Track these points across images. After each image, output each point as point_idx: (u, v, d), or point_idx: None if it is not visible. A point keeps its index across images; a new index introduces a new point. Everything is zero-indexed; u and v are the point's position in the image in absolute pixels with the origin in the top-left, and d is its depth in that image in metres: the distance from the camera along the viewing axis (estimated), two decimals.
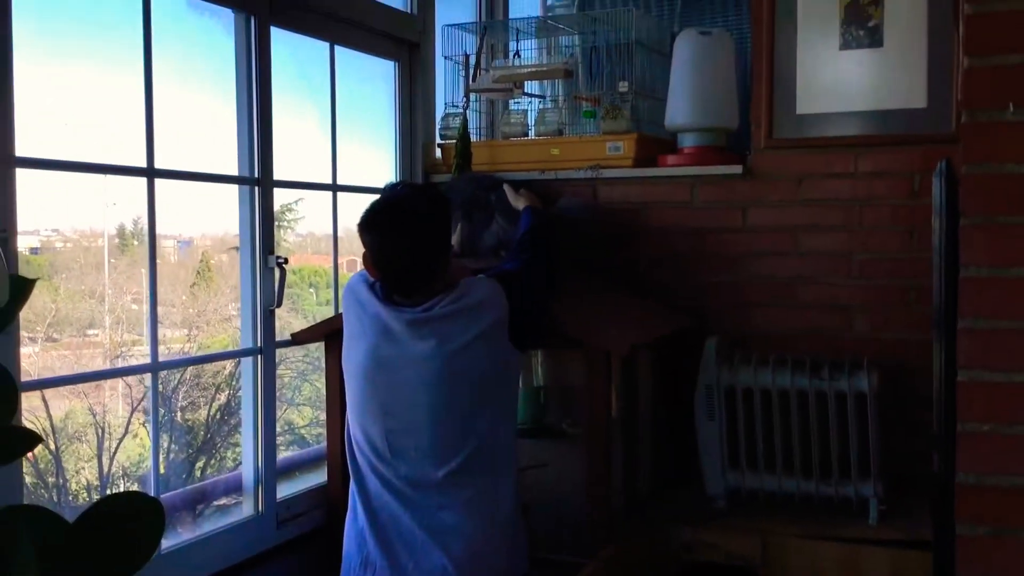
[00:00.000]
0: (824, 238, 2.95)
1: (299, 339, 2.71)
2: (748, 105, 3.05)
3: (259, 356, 2.60)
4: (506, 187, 2.85)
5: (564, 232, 2.70)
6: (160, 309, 2.37)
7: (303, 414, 5.66)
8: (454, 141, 3.21)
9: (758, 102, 2.99)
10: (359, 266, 2.92)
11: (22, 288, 1.13)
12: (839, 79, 2.92)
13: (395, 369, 2.11)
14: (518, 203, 2.76)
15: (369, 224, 2.12)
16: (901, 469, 2.75)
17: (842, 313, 2.94)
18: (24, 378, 2.12)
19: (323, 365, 2.77)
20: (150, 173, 2.27)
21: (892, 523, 2.58)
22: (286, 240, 4.81)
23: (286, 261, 2.63)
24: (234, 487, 2.68)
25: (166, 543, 2.32)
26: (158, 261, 2.34)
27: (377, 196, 2.19)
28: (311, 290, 5.19)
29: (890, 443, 2.69)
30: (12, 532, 1.10)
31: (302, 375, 5.58)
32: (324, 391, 2.76)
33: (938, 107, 2.80)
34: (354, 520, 2.21)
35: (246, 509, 2.60)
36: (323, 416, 2.80)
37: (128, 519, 1.17)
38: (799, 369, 2.67)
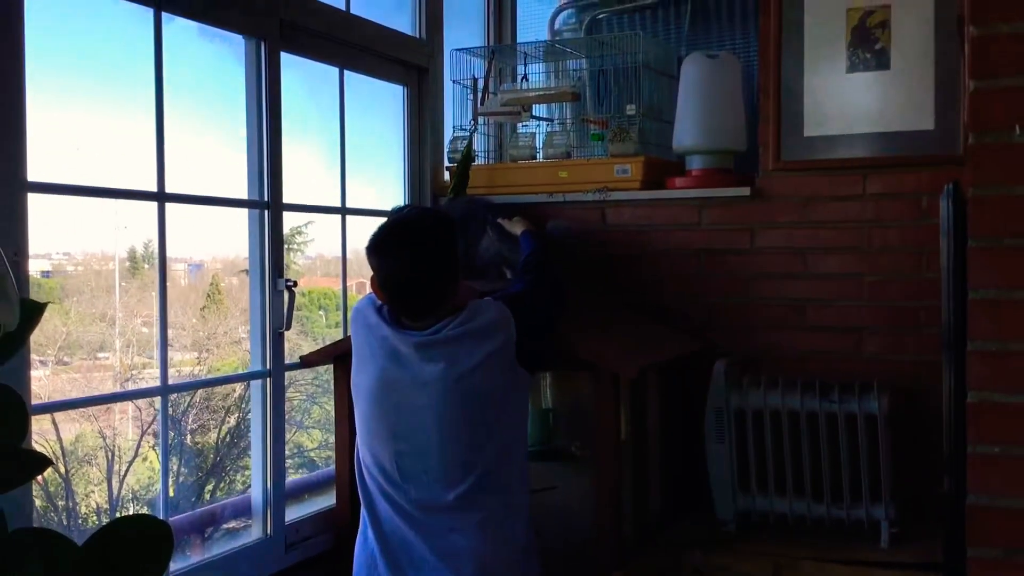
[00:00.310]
0: (833, 260, 2.95)
1: (308, 362, 2.72)
2: (756, 127, 3.06)
3: (268, 379, 2.61)
4: (501, 220, 2.87)
5: (552, 255, 2.71)
6: (170, 332, 2.38)
7: (312, 437, 5.66)
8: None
9: (766, 124, 3.00)
10: (368, 288, 2.93)
11: (33, 312, 1.14)
12: (846, 101, 2.93)
13: (404, 392, 2.11)
14: (515, 228, 2.78)
15: (376, 247, 2.12)
16: (913, 491, 2.73)
17: (852, 335, 2.93)
18: (34, 401, 2.13)
19: (332, 388, 2.77)
20: (161, 197, 2.29)
21: (904, 546, 2.57)
22: (295, 263, 4.83)
23: (295, 284, 2.64)
24: (243, 510, 2.68)
25: (175, 566, 2.31)
26: (168, 284, 2.35)
27: (385, 219, 2.20)
28: (320, 312, 5.20)
29: (901, 465, 2.68)
30: (22, 555, 1.10)
31: (311, 398, 5.58)
32: (333, 413, 2.76)
33: (945, 129, 2.81)
34: (364, 543, 2.20)
35: (255, 532, 2.60)
36: (332, 439, 2.80)
37: (137, 542, 1.17)
38: (809, 391, 2.67)
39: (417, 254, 2.08)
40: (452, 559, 2.08)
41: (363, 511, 2.20)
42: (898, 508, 2.60)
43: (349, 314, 2.39)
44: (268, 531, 2.59)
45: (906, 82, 2.86)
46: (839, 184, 2.93)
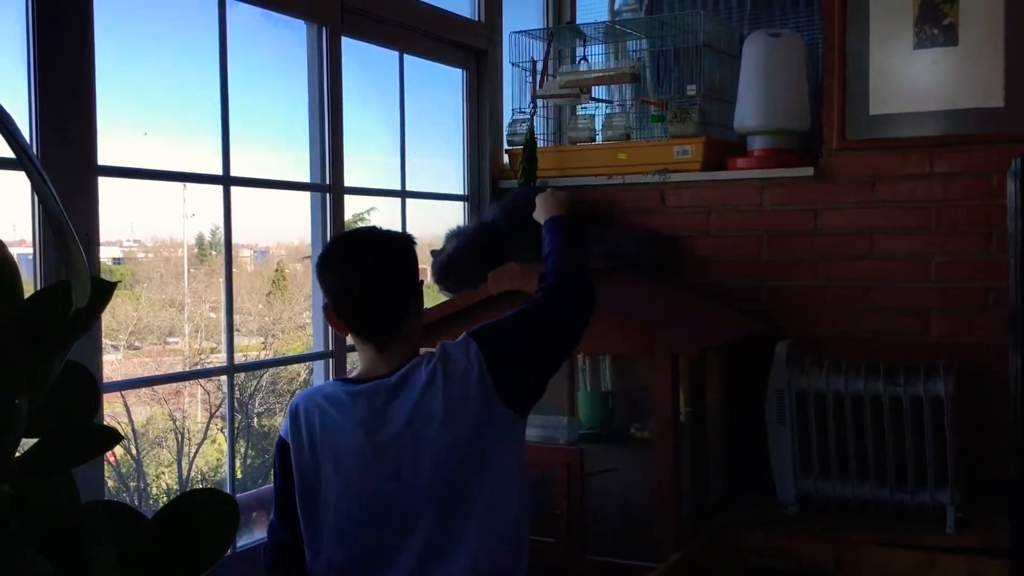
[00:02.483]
0: (900, 240, 2.89)
1: None
2: (819, 106, 3.01)
3: (331, 360, 2.65)
4: (538, 198, 2.38)
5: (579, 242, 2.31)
6: (237, 318, 2.43)
7: None
8: (521, 147, 3.23)
9: (830, 103, 2.95)
10: (431, 276, 2.95)
11: (104, 291, 1.17)
12: (913, 79, 2.87)
13: (379, 460, 1.80)
14: (539, 215, 2.31)
15: (327, 261, 1.86)
16: (980, 475, 2.68)
17: (919, 316, 2.88)
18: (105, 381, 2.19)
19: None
20: (226, 181, 2.33)
21: (970, 530, 2.52)
22: None
23: None
24: None
25: (241, 541, 2.37)
26: (235, 270, 2.40)
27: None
28: None
29: (968, 449, 2.63)
30: (95, 527, 1.14)
31: None
32: None
33: (1016, 106, 2.74)
34: None
35: None
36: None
37: (204, 515, 1.20)
38: (873, 374, 2.63)
39: (374, 263, 1.84)
40: None
41: None
42: (964, 492, 2.55)
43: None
44: None
45: (975, 58, 2.79)
46: (906, 163, 2.88)
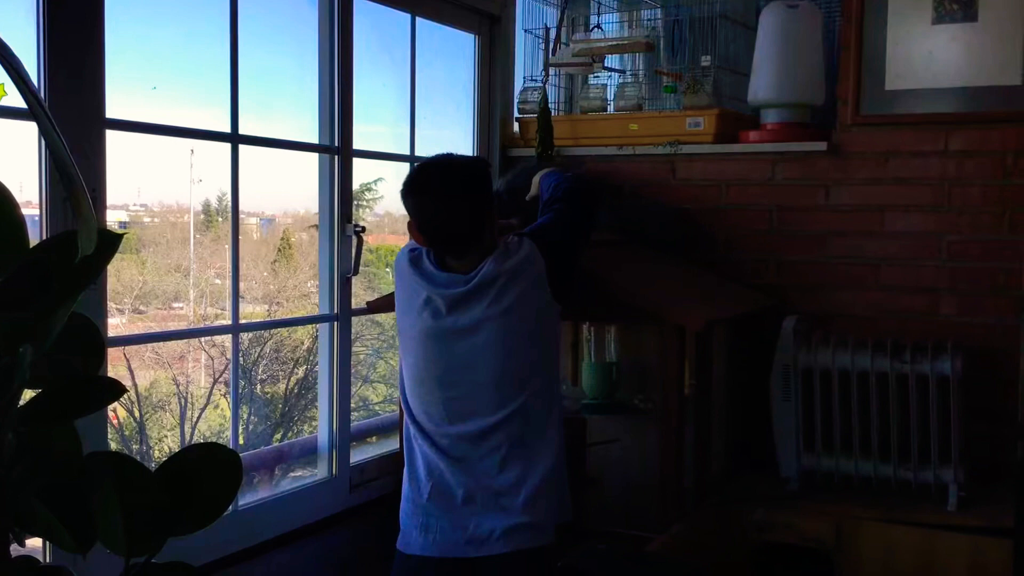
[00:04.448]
0: (911, 218, 2.87)
1: (374, 307, 2.75)
2: (834, 80, 2.98)
3: (335, 323, 2.64)
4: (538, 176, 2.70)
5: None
6: (242, 285, 2.42)
7: (377, 391, 5.75)
8: (532, 115, 3.20)
9: (846, 77, 2.92)
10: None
11: (110, 241, 1.16)
12: (931, 54, 2.83)
13: (446, 342, 2.15)
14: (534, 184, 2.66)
15: (411, 187, 2.13)
16: (984, 455, 2.67)
17: (928, 296, 2.86)
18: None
19: (397, 343, 2.79)
20: (234, 139, 2.31)
21: (972, 510, 2.52)
22: (364, 219, 4.87)
23: (363, 230, 2.66)
24: (310, 451, 2.73)
25: (243, 500, 2.37)
26: (241, 238, 2.39)
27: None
28: (387, 269, 5.25)
29: (973, 429, 2.62)
30: (97, 477, 1.13)
31: (377, 352, 5.66)
32: (398, 365, 2.78)
33: None
34: (410, 485, 2.23)
35: (320, 472, 2.65)
36: (396, 394, 2.82)
37: (207, 468, 1.20)
38: (880, 351, 2.62)
39: (451, 192, 2.10)
40: (498, 497, 2.11)
41: (410, 454, 2.23)
42: (968, 471, 2.55)
43: None
44: (333, 471, 2.63)
45: (994, 35, 2.76)
46: (920, 140, 2.85)
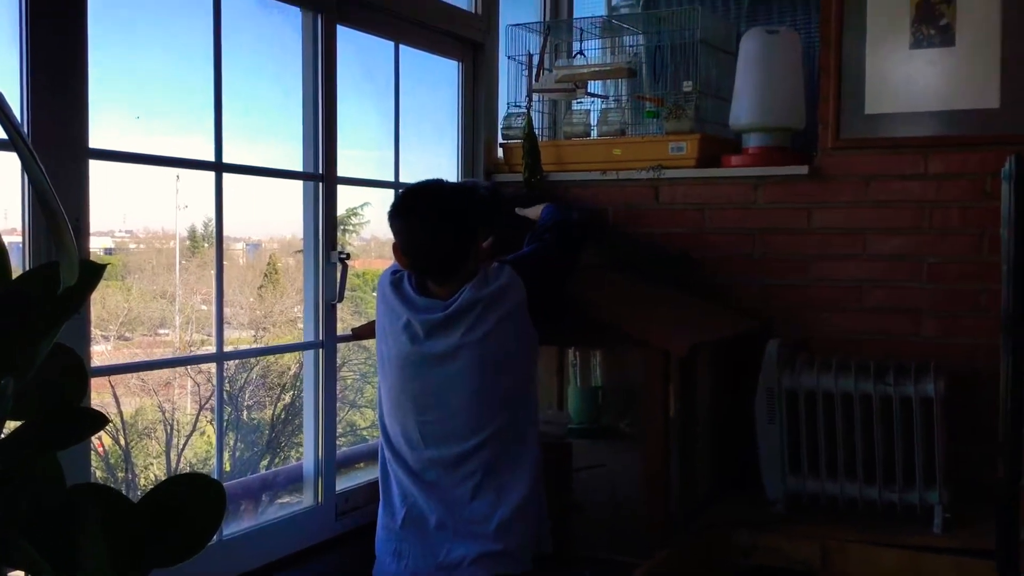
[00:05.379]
0: (892, 240, 2.90)
1: (359, 334, 2.75)
2: (815, 105, 3.01)
3: (320, 350, 2.64)
4: (519, 210, 2.85)
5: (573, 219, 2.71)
6: (228, 310, 2.43)
7: (365, 416, 5.73)
8: (516, 141, 3.22)
9: (826, 102, 2.95)
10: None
11: (93, 272, 1.16)
12: (909, 78, 2.87)
13: (423, 367, 2.17)
14: (532, 212, 2.76)
15: (397, 210, 2.18)
16: (968, 476, 2.68)
17: (910, 317, 2.88)
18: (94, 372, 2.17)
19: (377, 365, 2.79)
20: (218, 167, 2.32)
21: (957, 531, 2.52)
22: (351, 244, 4.88)
23: (348, 256, 2.66)
24: (296, 479, 2.72)
25: (228, 530, 2.36)
26: (227, 263, 2.39)
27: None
28: (374, 294, 5.25)
29: (957, 450, 2.63)
30: (80, 509, 1.13)
31: (364, 377, 5.65)
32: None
33: (1011, 108, 2.74)
34: (385, 511, 2.24)
35: (306, 500, 2.63)
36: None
37: (191, 500, 1.20)
38: (863, 373, 2.63)
39: (437, 218, 2.14)
40: (468, 524, 2.12)
41: (385, 479, 2.24)
42: (952, 493, 2.55)
43: None
44: (319, 499, 2.62)
45: (971, 59, 2.79)
46: (900, 163, 2.88)
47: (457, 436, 2.16)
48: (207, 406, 5.81)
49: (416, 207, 2.16)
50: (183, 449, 5.79)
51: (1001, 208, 2.10)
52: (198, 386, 5.90)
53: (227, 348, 2.41)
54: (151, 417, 5.81)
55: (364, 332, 2.75)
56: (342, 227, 2.75)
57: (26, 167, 1.03)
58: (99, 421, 1.20)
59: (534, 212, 2.77)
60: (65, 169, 1.90)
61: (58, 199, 1.04)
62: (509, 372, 2.18)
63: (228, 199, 2.35)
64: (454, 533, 2.14)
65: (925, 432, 2.55)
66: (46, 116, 1.88)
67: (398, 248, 2.19)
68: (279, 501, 2.77)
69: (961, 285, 2.82)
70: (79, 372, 1.25)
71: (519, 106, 3.34)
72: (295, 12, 2.60)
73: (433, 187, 2.21)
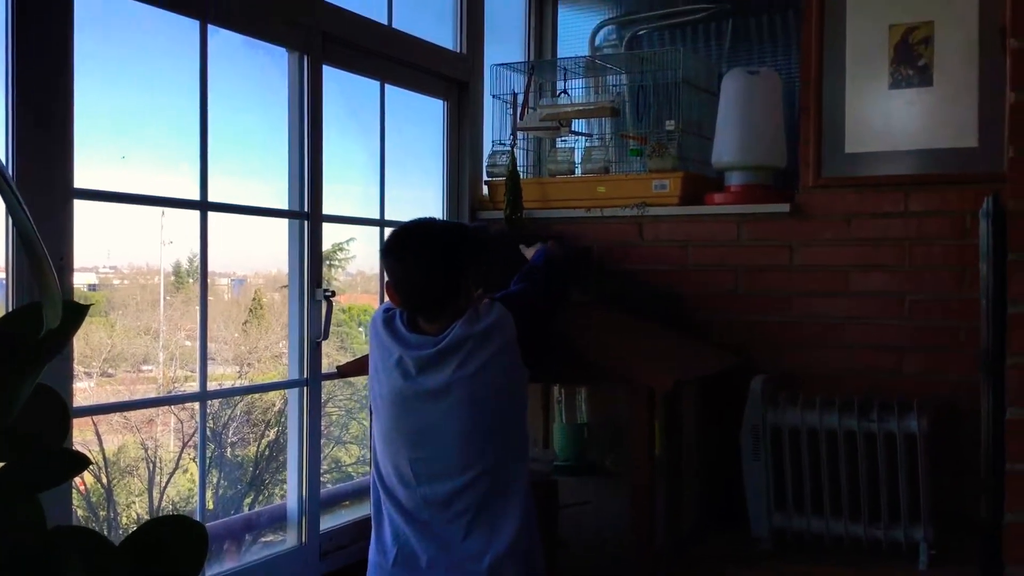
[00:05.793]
0: (873, 278, 2.92)
1: (344, 371, 2.74)
2: (796, 144, 3.04)
3: (305, 388, 2.63)
4: (522, 247, 2.90)
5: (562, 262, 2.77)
6: (213, 346, 2.43)
7: (350, 452, 5.70)
8: (500, 179, 3.25)
9: (806, 141, 2.98)
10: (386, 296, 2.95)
11: (76, 313, 1.16)
12: (888, 118, 2.91)
13: (415, 405, 2.18)
14: (529, 251, 2.81)
15: (389, 249, 2.20)
16: (953, 512, 2.69)
17: (892, 354, 2.90)
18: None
19: (369, 403, 2.79)
20: (203, 206, 2.32)
21: (943, 567, 2.52)
22: (337, 279, 4.87)
23: (333, 294, 2.66)
24: (279, 518, 2.70)
25: (211, 571, 2.34)
26: (212, 299, 2.39)
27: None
28: (360, 329, 5.24)
29: (941, 486, 2.64)
30: (61, 553, 1.12)
31: (349, 413, 5.62)
32: (370, 428, 2.77)
33: (989, 146, 2.78)
34: (377, 549, 2.23)
35: (289, 540, 2.62)
36: (369, 454, 2.81)
37: (173, 542, 1.19)
38: (847, 410, 2.64)
39: (427, 256, 2.15)
40: (463, 563, 2.11)
41: (378, 516, 2.24)
42: (937, 529, 2.56)
43: None
44: (303, 539, 2.61)
45: (949, 99, 2.83)
46: (880, 201, 2.91)
47: (449, 473, 2.16)
48: (190, 443, 5.77)
49: (409, 245, 2.18)
50: (166, 487, 5.74)
51: (980, 243, 2.12)
52: (181, 423, 5.86)
53: (211, 384, 2.40)
54: (134, 455, 5.76)
55: (350, 369, 2.74)
56: (328, 262, 2.75)
57: (10, 210, 1.03)
58: (81, 463, 1.19)
59: (530, 252, 2.79)
60: (50, 209, 1.91)
61: (42, 242, 1.04)
62: (500, 408, 2.19)
63: (213, 235, 2.36)
64: (446, 571, 2.13)
65: (909, 468, 2.55)
66: (31, 156, 1.89)
67: (391, 286, 2.20)
68: (263, 540, 2.75)
69: (942, 322, 2.84)
70: (62, 413, 1.24)
71: (504, 144, 3.37)
72: (281, 52, 2.62)
73: (425, 225, 2.23)
